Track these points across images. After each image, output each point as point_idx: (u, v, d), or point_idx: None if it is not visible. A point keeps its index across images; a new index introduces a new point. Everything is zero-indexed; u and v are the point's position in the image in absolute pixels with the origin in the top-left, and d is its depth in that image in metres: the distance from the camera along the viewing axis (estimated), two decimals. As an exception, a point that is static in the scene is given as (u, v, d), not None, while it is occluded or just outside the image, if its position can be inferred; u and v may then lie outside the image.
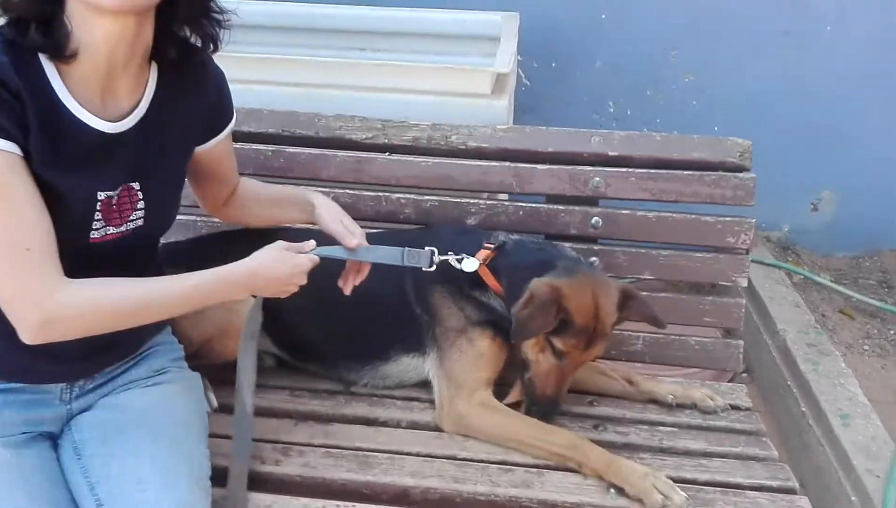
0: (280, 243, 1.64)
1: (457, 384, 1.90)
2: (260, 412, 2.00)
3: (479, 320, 1.92)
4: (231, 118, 1.80)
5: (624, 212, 2.23)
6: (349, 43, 2.99)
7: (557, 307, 1.77)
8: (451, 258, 1.90)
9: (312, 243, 1.69)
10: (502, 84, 2.52)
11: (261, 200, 1.94)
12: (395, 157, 2.26)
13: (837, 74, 3.44)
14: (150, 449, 1.58)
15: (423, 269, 1.77)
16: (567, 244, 2.22)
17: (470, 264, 1.91)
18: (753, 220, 2.19)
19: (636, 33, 3.49)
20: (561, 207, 2.24)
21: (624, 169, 2.21)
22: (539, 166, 2.24)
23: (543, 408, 1.86)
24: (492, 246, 1.96)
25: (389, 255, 1.76)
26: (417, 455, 1.88)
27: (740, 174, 2.18)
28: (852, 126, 3.47)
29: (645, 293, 2.24)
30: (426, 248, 1.79)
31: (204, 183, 1.87)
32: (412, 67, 2.47)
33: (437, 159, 2.27)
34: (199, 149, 1.73)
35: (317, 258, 1.66)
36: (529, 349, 1.87)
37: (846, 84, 3.44)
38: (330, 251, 1.71)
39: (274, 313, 2.01)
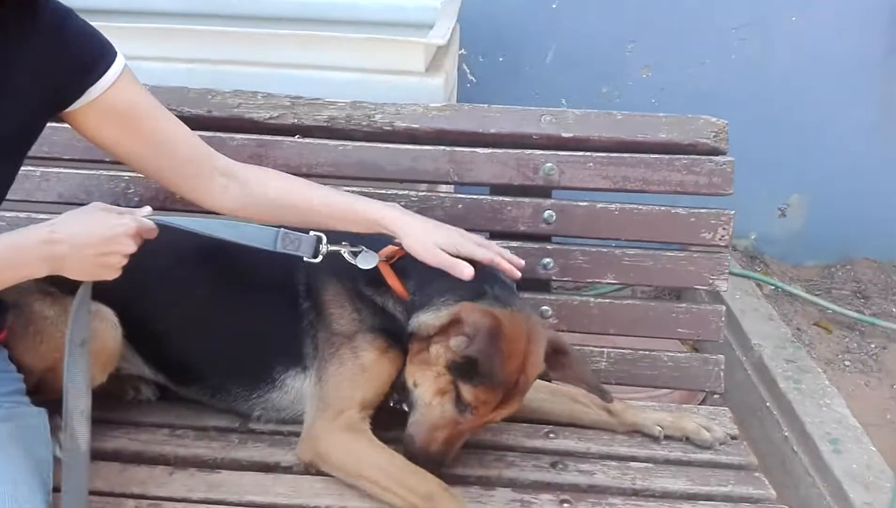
0: (96, 204, 1.31)
1: (325, 402, 1.53)
2: (128, 458, 1.59)
3: (372, 325, 1.57)
4: (107, 62, 1.42)
5: (581, 204, 1.88)
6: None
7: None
8: (345, 250, 1.55)
9: (147, 208, 1.38)
10: (439, 61, 2.17)
11: (284, 203, 1.58)
12: (306, 140, 1.91)
13: (804, 67, 3.19)
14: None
15: (305, 259, 1.51)
16: (515, 244, 1.86)
17: (367, 260, 1.55)
18: (732, 212, 1.85)
19: (591, 24, 3.19)
20: (507, 198, 1.88)
21: (580, 153, 1.86)
22: (480, 151, 1.88)
23: (419, 463, 1.49)
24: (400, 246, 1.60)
25: (260, 236, 1.49)
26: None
27: (716, 158, 1.85)
28: (822, 122, 3.21)
29: (608, 301, 1.89)
30: (311, 233, 1.52)
31: (137, 159, 1.52)
32: (329, 38, 2.09)
33: (358, 143, 1.89)
34: (71, 111, 1.42)
35: (145, 221, 1.34)
36: (423, 383, 1.50)
37: (814, 77, 3.18)
38: (172, 220, 1.40)
39: (143, 320, 1.64)
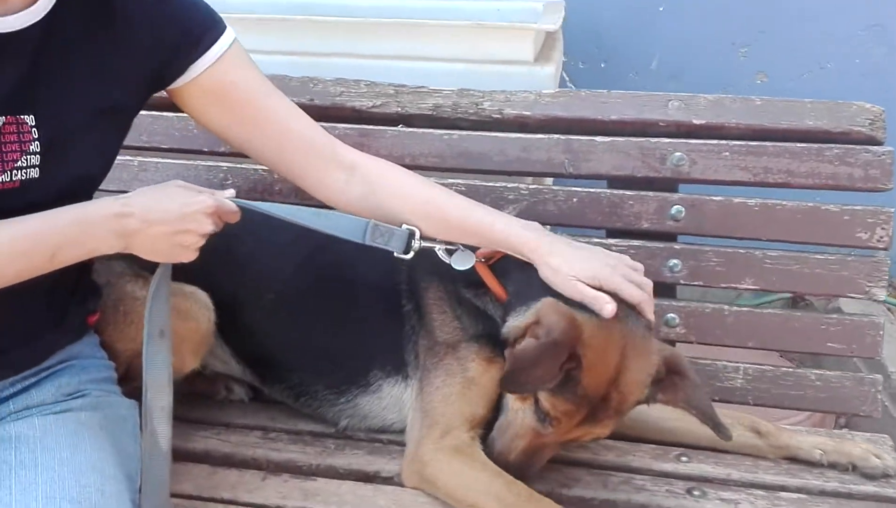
0: (175, 181, 1.22)
1: (432, 419, 1.39)
2: (217, 461, 1.48)
3: (475, 333, 1.43)
4: (213, 36, 1.31)
5: (715, 199, 1.67)
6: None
7: (570, 353, 1.24)
8: (440, 248, 1.40)
9: (231, 191, 1.28)
10: (549, 50, 2.02)
11: (416, 213, 1.40)
12: (410, 129, 1.77)
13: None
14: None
15: (396, 255, 1.37)
16: (636, 243, 1.68)
17: (463, 259, 1.39)
18: (893, 209, 1.61)
19: (699, 29, 2.98)
20: (629, 192, 1.70)
21: (714, 141, 1.67)
22: (599, 139, 1.71)
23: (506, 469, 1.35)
24: None
25: (348, 226, 1.36)
26: (431, 524, 1.31)
27: (873, 147, 1.62)
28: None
29: (745, 310, 1.67)
30: (404, 226, 1.36)
31: (247, 143, 1.39)
32: (434, 25, 1.97)
33: (465, 133, 1.75)
34: (175, 88, 1.33)
35: (226, 202, 1.23)
36: (520, 399, 1.36)
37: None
38: (255, 204, 1.31)
39: (233, 308, 1.54)
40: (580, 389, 1.25)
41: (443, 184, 1.66)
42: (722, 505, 1.37)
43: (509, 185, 1.74)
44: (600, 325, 1.26)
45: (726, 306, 1.69)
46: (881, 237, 1.61)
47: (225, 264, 1.56)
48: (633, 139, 1.70)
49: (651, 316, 1.32)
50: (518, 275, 1.39)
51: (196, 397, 1.67)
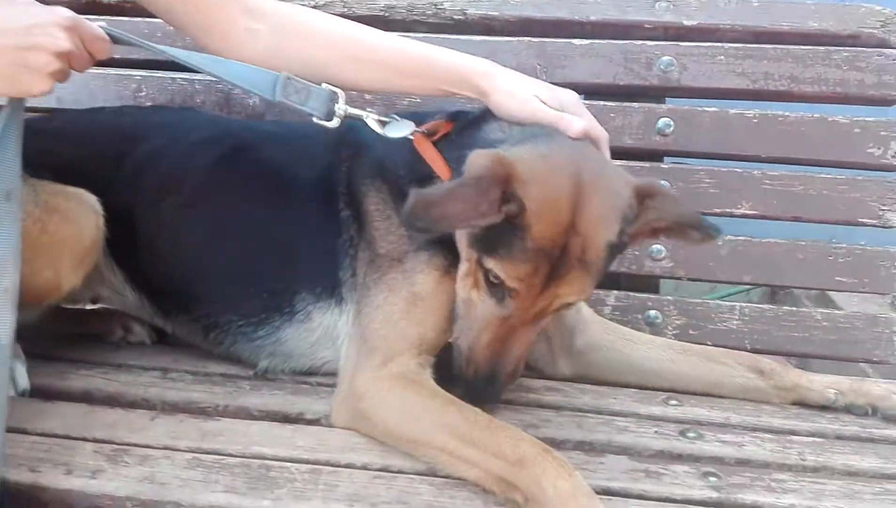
0: None
1: (371, 345, 1.14)
2: (99, 400, 1.19)
3: (426, 240, 1.16)
4: None
5: (708, 110, 1.46)
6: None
7: (501, 192, 0.98)
8: (370, 116, 1.18)
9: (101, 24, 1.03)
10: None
11: (336, 55, 1.21)
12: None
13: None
14: None
15: (316, 120, 1.16)
16: (619, 162, 1.43)
17: (399, 128, 1.18)
18: (910, 122, 1.40)
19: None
20: (611, 103, 1.48)
21: (707, 44, 1.45)
22: (576, 42, 1.48)
23: (473, 386, 1.10)
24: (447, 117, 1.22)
25: (256, 78, 1.14)
26: (365, 468, 1.03)
27: (886, 51, 1.42)
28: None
29: (741, 238, 1.44)
30: (324, 85, 1.16)
31: None
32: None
33: (423, 35, 1.50)
34: None
35: (89, 23, 0.99)
36: (459, 278, 1.11)
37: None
38: (135, 38, 1.08)
39: (127, 221, 1.28)
40: (530, 240, 0.99)
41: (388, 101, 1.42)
42: (724, 447, 1.11)
43: (473, 95, 1.49)
44: (542, 156, 1.03)
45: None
46: (896, 153, 1.40)
47: (119, 168, 1.29)
48: (615, 42, 1.48)
49: (608, 155, 1.12)
50: (459, 148, 1.13)
51: (85, 338, 1.38)
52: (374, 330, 1.15)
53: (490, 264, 1.02)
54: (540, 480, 0.93)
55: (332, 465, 1.04)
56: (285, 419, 1.17)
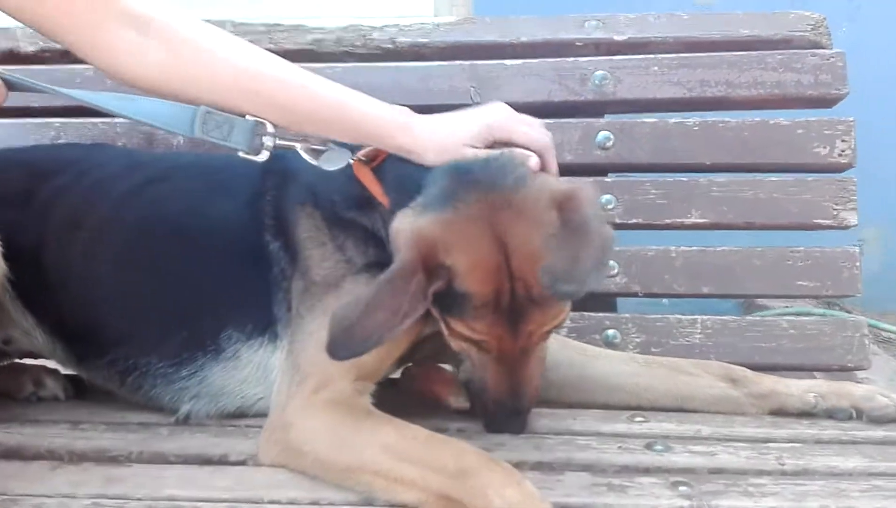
0: None
1: (303, 373, 1.04)
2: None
3: (365, 263, 1.09)
4: None
5: (647, 121, 1.42)
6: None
7: (424, 276, 0.94)
8: (301, 146, 1.09)
9: None
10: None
11: (242, 85, 1.08)
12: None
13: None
14: None
15: (242, 155, 1.08)
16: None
17: (334, 159, 1.10)
18: (852, 119, 1.38)
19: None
20: (548, 120, 1.39)
21: (640, 56, 1.42)
22: (508, 63, 1.45)
23: (499, 420, 1.06)
24: None
25: (169, 113, 1.06)
26: (292, 503, 0.91)
27: (820, 51, 1.40)
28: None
29: (694, 249, 1.38)
30: (248, 117, 1.08)
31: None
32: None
33: (352, 65, 1.47)
34: None
35: None
36: (448, 338, 1.04)
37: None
38: (29, 81, 1.01)
39: (36, 262, 1.19)
40: (475, 299, 0.95)
41: None
42: (695, 457, 1.00)
43: (394, 152, 1.44)
44: (454, 213, 0.96)
45: (673, 247, 1.39)
46: (843, 151, 1.36)
47: (27, 206, 1.20)
48: (548, 60, 1.45)
49: (554, 165, 1.06)
50: (403, 172, 1.07)
51: (-7, 397, 1.25)
52: (307, 358, 1.05)
53: (452, 323, 0.99)
54: (486, 490, 0.84)
55: (254, 502, 0.92)
56: (206, 461, 1.03)
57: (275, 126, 1.09)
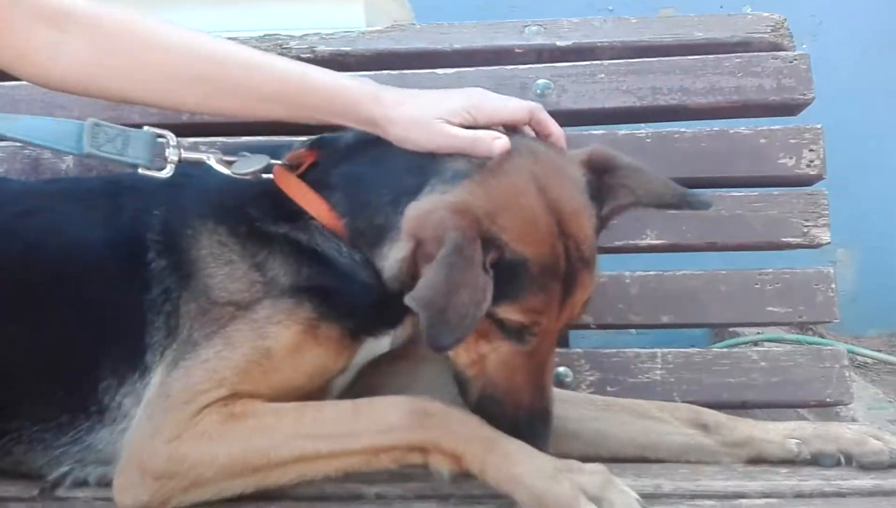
0: None
1: (178, 399, 0.90)
2: None
3: (293, 285, 0.96)
4: None
5: (595, 133, 1.28)
6: None
7: (484, 244, 0.84)
8: (211, 157, 1.00)
9: None
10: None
11: (179, 73, 0.98)
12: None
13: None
14: None
15: (142, 172, 0.99)
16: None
17: (250, 162, 1.00)
18: (820, 126, 1.25)
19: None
20: (485, 134, 1.27)
21: (586, 63, 1.29)
22: (441, 72, 1.31)
23: (529, 429, 0.92)
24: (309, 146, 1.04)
25: (53, 130, 0.98)
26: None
27: (781, 53, 1.28)
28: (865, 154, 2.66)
29: (652, 274, 1.24)
30: (146, 129, 1.00)
31: None
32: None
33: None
34: None
35: None
36: (462, 349, 0.93)
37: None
38: None
39: None
40: (533, 267, 0.87)
41: (237, 143, 1.22)
42: (654, 522, 0.84)
43: (332, 135, 1.28)
44: (495, 175, 0.90)
45: (627, 273, 1.24)
46: (812, 161, 1.23)
47: None
48: (484, 69, 1.31)
49: (553, 127, 0.97)
50: (349, 184, 0.96)
51: None
52: (188, 385, 0.90)
53: (503, 313, 0.88)
54: (447, 423, 0.87)
55: None
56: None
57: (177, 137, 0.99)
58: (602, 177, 0.95)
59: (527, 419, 0.91)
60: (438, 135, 0.91)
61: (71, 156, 1.26)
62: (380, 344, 1.01)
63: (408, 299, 0.81)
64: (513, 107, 0.95)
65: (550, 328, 0.90)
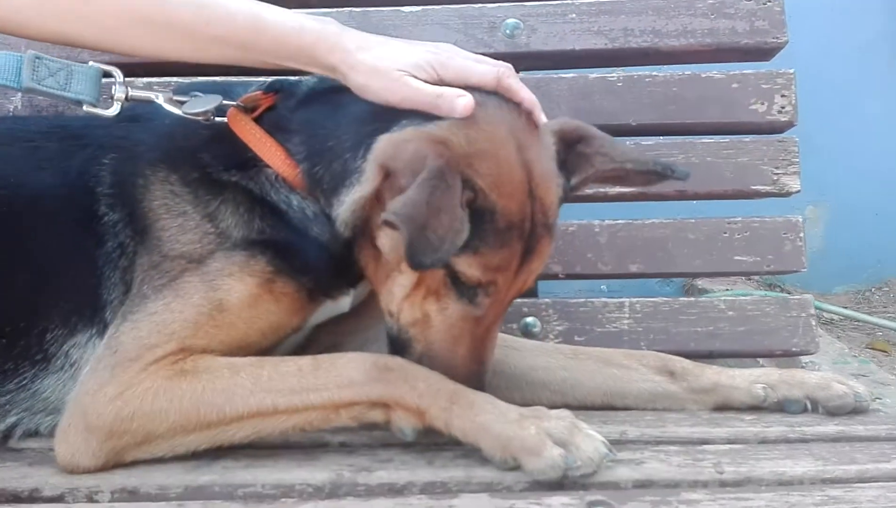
0: None
1: (129, 352, 0.87)
2: None
3: (245, 237, 0.93)
4: None
5: (565, 77, 1.25)
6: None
7: (462, 182, 0.81)
8: (160, 95, 0.95)
9: None
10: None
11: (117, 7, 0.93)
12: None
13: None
14: None
15: (87, 109, 0.94)
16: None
17: (201, 102, 0.94)
18: (792, 71, 1.23)
19: None
20: (451, 77, 1.22)
21: (556, 2, 1.24)
22: (406, 10, 1.26)
23: None
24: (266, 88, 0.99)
25: None
26: None
27: (756, -5, 1.24)
28: (835, 117, 2.65)
29: (620, 222, 1.21)
30: (92, 63, 0.95)
31: None
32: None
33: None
34: None
35: None
36: (399, 295, 0.90)
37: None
38: None
39: None
40: (500, 221, 0.84)
41: (192, 84, 1.15)
42: (617, 468, 0.82)
43: (291, 78, 1.23)
44: (474, 123, 0.86)
45: (596, 222, 1.21)
46: (783, 107, 1.21)
47: None
48: (451, 6, 1.26)
49: (524, 93, 0.90)
50: (305, 128, 0.92)
51: None
52: (137, 338, 0.87)
53: (461, 264, 0.85)
54: (410, 377, 0.84)
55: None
56: (11, 499, 0.82)
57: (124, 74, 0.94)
58: (574, 147, 0.93)
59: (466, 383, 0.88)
60: (401, 87, 0.87)
61: (19, 94, 1.19)
62: (338, 305, 0.98)
63: (386, 215, 0.77)
64: (481, 70, 0.89)
65: (502, 293, 0.88)
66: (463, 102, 0.85)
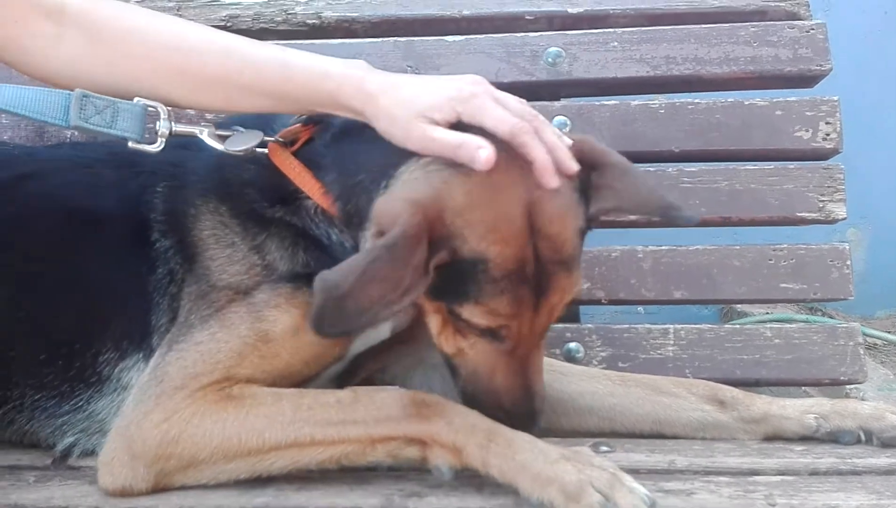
0: None
1: (173, 382, 0.89)
2: None
3: (289, 271, 0.95)
4: None
5: (608, 104, 1.25)
6: None
7: (427, 246, 0.80)
8: (204, 131, 0.97)
9: None
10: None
11: (171, 63, 0.96)
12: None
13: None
14: None
15: (133, 145, 0.95)
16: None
17: (242, 141, 0.96)
18: (837, 98, 1.22)
19: None
20: (494, 104, 1.24)
21: (598, 31, 1.26)
22: (450, 39, 1.28)
23: (512, 423, 0.88)
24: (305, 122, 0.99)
25: (38, 100, 0.93)
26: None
27: (798, 22, 1.25)
28: (876, 135, 2.62)
29: (664, 248, 1.21)
30: (138, 100, 0.95)
31: None
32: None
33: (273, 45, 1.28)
34: None
35: None
36: (440, 338, 0.91)
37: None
38: None
39: None
40: (495, 270, 0.82)
41: (237, 118, 1.18)
42: (666, 498, 0.82)
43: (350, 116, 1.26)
44: (478, 172, 0.82)
45: (640, 247, 1.21)
46: (828, 134, 1.20)
47: None
48: (494, 36, 1.28)
49: (536, 152, 0.83)
50: (339, 162, 0.93)
51: None
52: (182, 368, 0.89)
53: (464, 312, 0.85)
54: (447, 414, 0.84)
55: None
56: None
57: (177, 110, 0.97)
58: (590, 174, 0.88)
59: (516, 420, 0.87)
60: (419, 137, 0.85)
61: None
62: (378, 333, 0.98)
63: (316, 278, 0.77)
64: (497, 117, 0.85)
65: (525, 328, 0.86)
66: (484, 155, 0.81)
